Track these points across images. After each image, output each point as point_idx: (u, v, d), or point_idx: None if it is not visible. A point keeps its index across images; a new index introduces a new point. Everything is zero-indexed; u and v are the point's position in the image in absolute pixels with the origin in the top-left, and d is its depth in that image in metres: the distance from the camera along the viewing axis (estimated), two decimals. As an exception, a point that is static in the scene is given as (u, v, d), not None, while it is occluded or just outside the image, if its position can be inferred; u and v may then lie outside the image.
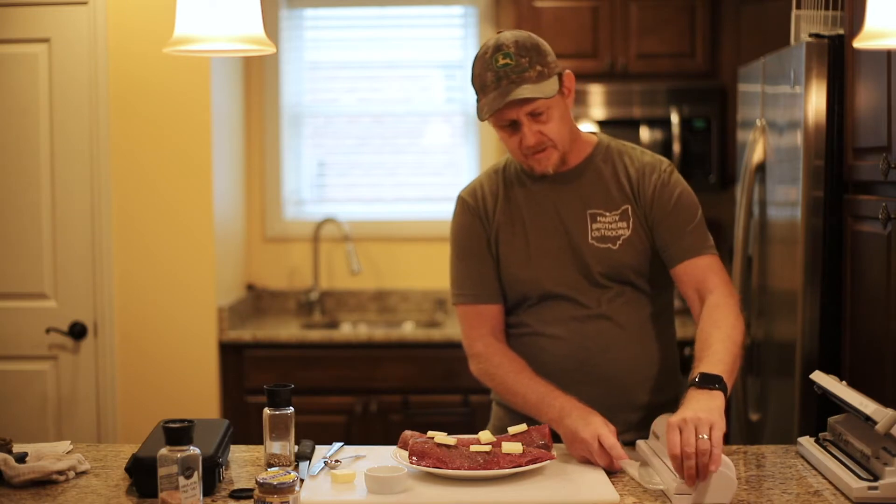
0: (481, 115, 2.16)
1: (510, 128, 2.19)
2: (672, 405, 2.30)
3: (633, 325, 2.28)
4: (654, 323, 2.31)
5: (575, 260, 2.26)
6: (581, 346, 2.26)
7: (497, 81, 2.13)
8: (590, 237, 2.25)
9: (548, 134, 2.18)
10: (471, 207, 2.34)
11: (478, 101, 2.19)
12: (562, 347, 2.27)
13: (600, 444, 2.02)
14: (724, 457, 1.82)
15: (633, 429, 2.28)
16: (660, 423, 2.08)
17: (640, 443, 2.14)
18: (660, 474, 1.94)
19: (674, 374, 2.37)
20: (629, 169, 2.28)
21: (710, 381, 1.96)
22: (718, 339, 2.07)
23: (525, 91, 2.11)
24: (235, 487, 1.96)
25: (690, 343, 2.56)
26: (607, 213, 2.26)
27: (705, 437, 1.81)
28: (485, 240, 2.32)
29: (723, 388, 1.95)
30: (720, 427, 1.84)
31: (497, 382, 2.28)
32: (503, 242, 2.30)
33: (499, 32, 2.21)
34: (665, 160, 2.32)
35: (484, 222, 2.32)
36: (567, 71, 2.21)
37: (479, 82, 2.17)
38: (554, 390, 2.17)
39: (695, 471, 1.80)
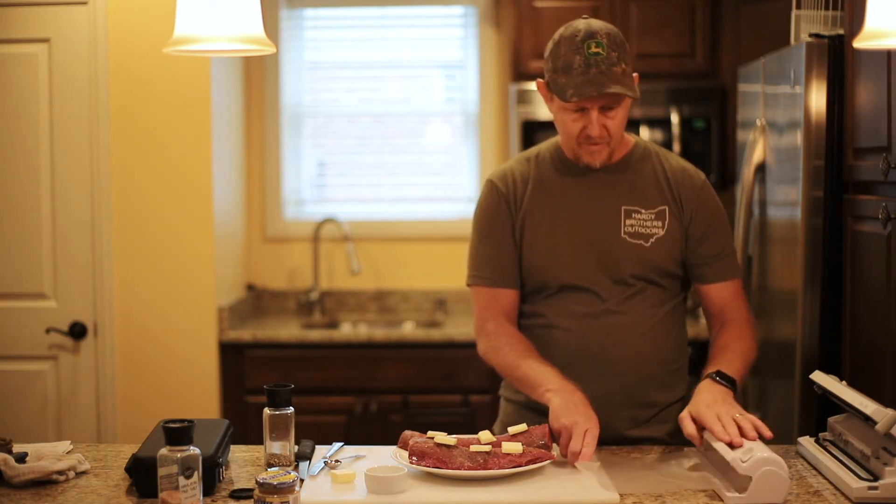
0: (562, 95, 2.18)
1: (578, 112, 2.21)
2: (681, 404, 2.32)
3: (647, 323, 2.29)
4: (668, 322, 2.32)
5: (600, 254, 2.27)
6: (594, 340, 2.27)
7: (586, 68, 2.15)
8: (623, 231, 2.27)
9: (610, 130, 2.22)
10: (500, 191, 2.34)
11: (553, 79, 2.21)
12: (575, 341, 2.28)
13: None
14: (776, 456, 1.85)
15: (642, 425, 2.30)
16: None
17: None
18: (713, 474, 1.97)
19: (684, 374, 2.39)
20: (667, 171, 2.31)
21: (725, 380, 2.13)
22: (738, 352, 2.23)
23: (616, 88, 2.14)
24: (235, 487, 1.96)
25: (697, 344, 2.58)
26: (643, 211, 2.28)
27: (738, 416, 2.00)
28: (510, 225, 2.33)
29: (734, 391, 2.13)
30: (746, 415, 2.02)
31: (500, 357, 2.28)
32: (529, 229, 2.31)
33: (585, 18, 2.23)
34: (700, 172, 2.37)
35: (511, 207, 2.33)
36: (635, 74, 2.24)
37: (564, 63, 2.18)
38: (556, 372, 2.18)
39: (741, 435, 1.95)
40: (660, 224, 2.28)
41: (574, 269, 2.28)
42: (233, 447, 2.21)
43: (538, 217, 2.31)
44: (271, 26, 4.46)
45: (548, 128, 3.43)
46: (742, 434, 1.95)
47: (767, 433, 1.97)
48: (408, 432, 2.09)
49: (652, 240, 2.27)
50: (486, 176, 2.42)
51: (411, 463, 1.96)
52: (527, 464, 1.96)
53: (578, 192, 2.30)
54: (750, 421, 1.98)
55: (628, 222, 2.28)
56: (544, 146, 2.38)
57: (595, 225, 2.28)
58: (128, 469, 1.98)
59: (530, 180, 2.33)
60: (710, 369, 2.17)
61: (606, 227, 2.28)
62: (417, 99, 4.72)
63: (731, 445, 1.93)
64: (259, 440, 2.12)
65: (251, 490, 1.87)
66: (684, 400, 2.35)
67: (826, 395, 2.17)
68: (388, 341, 4.08)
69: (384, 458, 2.05)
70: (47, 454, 2.07)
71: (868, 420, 1.92)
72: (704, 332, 3.70)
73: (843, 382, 2.14)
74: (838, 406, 2.12)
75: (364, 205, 4.74)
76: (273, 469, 1.93)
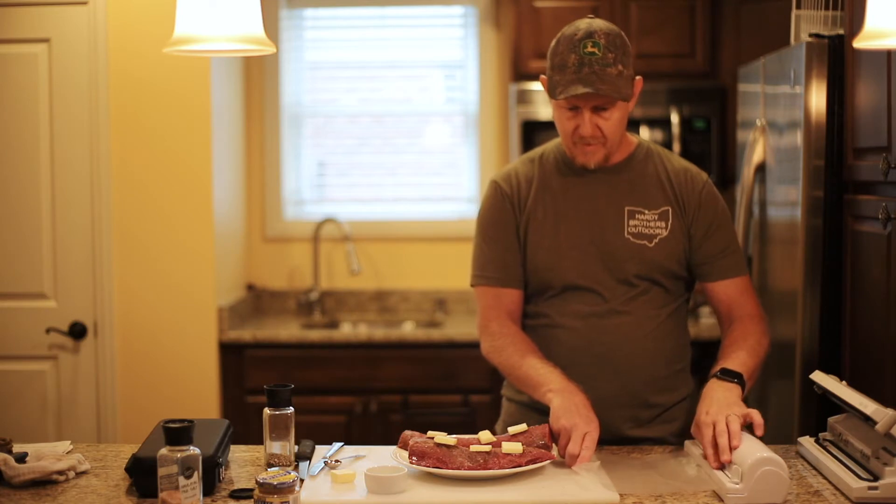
0: (553, 93, 2.20)
1: (572, 111, 2.22)
2: (684, 405, 2.32)
3: (651, 324, 2.29)
4: (671, 323, 2.33)
5: (604, 254, 2.28)
6: (598, 340, 2.28)
7: (579, 67, 2.15)
8: (626, 232, 2.28)
9: (604, 130, 2.22)
10: (504, 192, 2.35)
11: (550, 76, 2.22)
12: (579, 340, 2.29)
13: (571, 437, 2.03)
14: (776, 456, 1.85)
15: (644, 425, 2.31)
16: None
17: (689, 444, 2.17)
18: (711, 475, 1.96)
19: (686, 375, 2.39)
20: (669, 172, 2.32)
21: (730, 375, 2.11)
22: (745, 347, 2.21)
23: (604, 88, 2.14)
24: (235, 487, 1.96)
25: (696, 344, 2.58)
26: (646, 211, 2.29)
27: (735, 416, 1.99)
28: (514, 226, 2.33)
29: (741, 384, 2.11)
30: (741, 413, 2.01)
31: (504, 357, 2.29)
32: (533, 230, 2.32)
33: (590, 17, 2.23)
34: (703, 172, 2.38)
35: (516, 208, 2.34)
36: (638, 77, 2.24)
37: (560, 60, 2.19)
38: (558, 372, 2.18)
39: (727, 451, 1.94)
40: (663, 224, 2.28)
41: (578, 270, 2.28)
42: (233, 447, 2.21)
43: (542, 217, 2.31)
44: (271, 26, 4.46)
45: (548, 128, 3.43)
46: (729, 440, 1.95)
47: (758, 431, 1.99)
48: (408, 432, 2.09)
49: (655, 240, 2.28)
50: (489, 176, 2.43)
51: (411, 463, 1.96)
52: (527, 464, 1.96)
53: (582, 193, 2.31)
54: (740, 421, 1.99)
55: (632, 223, 2.28)
56: (549, 147, 2.38)
57: (598, 225, 2.29)
58: (128, 469, 1.98)
59: (534, 181, 2.34)
60: (716, 368, 2.17)
61: (610, 227, 2.29)
62: (417, 99, 4.72)
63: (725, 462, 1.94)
64: (259, 440, 2.12)
65: (251, 490, 1.87)
66: (687, 400, 2.35)
67: (826, 395, 2.17)
68: (387, 341, 4.08)
69: (384, 458, 2.05)
70: (47, 454, 2.07)
71: (868, 420, 1.92)
72: (704, 332, 3.71)
73: (843, 382, 2.14)
74: (838, 406, 2.12)
75: (364, 205, 4.74)
76: (273, 469, 1.93)
